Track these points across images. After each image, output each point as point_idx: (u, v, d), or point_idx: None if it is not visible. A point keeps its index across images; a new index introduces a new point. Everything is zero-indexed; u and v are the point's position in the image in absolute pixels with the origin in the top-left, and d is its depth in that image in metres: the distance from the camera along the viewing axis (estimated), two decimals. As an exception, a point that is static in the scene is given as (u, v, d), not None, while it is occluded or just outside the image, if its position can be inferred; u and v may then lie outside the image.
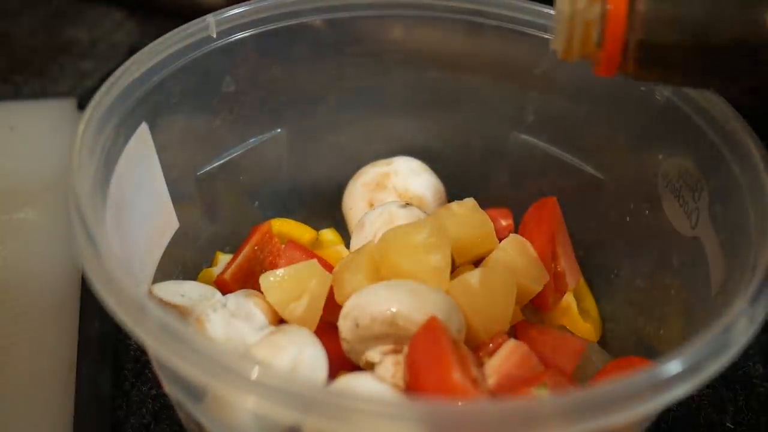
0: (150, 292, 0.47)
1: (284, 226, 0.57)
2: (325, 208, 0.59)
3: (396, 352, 0.44)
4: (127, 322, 0.35)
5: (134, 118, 0.46)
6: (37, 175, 0.63)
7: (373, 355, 0.44)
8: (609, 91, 0.51)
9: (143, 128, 0.47)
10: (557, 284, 0.54)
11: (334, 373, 0.44)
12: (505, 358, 0.44)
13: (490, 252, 0.53)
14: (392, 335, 0.44)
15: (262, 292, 0.48)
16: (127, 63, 0.47)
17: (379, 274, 0.47)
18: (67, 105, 0.70)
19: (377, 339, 0.44)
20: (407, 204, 0.53)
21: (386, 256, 0.47)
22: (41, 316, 0.54)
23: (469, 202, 0.53)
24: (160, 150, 0.49)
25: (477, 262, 0.53)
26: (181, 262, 0.54)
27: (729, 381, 0.54)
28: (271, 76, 0.55)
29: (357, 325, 0.44)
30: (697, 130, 0.47)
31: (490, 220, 0.53)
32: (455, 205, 0.54)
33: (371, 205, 0.56)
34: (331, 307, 0.48)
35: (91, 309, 0.53)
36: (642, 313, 0.52)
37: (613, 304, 0.55)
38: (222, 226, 0.57)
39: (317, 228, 0.58)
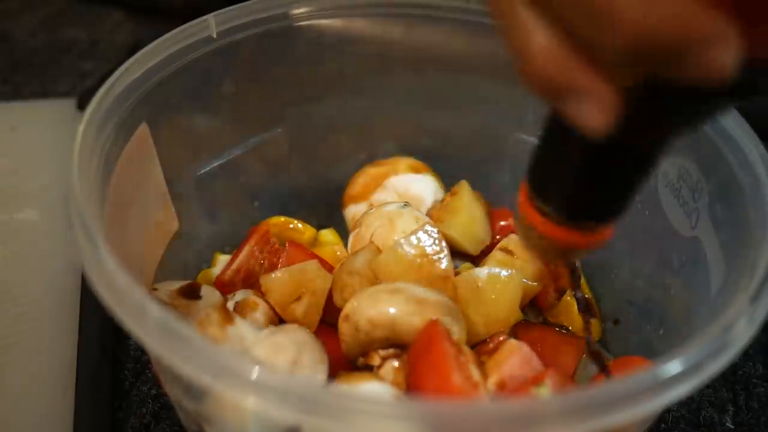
0: (150, 292, 0.47)
1: (284, 226, 0.57)
2: (325, 208, 0.59)
3: (396, 356, 0.44)
4: (127, 322, 0.35)
5: (134, 118, 0.46)
6: (37, 175, 0.63)
7: (373, 359, 0.44)
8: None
9: (143, 128, 0.47)
10: (557, 284, 0.54)
11: (334, 373, 0.44)
12: (505, 358, 0.44)
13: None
14: (392, 339, 0.44)
15: (262, 292, 0.48)
16: (127, 63, 0.47)
17: (378, 278, 0.47)
18: (67, 105, 0.70)
19: (377, 342, 0.44)
20: (406, 204, 0.53)
21: (386, 272, 0.47)
22: (41, 316, 0.54)
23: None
24: (160, 150, 0.49)
25: (477, 263, 0.53)
26: (181, 262, 0.54)
27: (729, 381, 0.54)
28: (271, 76, 0.55)
29: (356, 329, 0.44)
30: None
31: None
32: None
33: (371, 205, 0.56)
34: (331, 308, 0.48)
35: (91, 309, 0.53)
36: (642, 313, 0.52)
37: (613, 304, 0.55)
38: (222, 226, 0.57)
39: (317, 228, 0.58)
